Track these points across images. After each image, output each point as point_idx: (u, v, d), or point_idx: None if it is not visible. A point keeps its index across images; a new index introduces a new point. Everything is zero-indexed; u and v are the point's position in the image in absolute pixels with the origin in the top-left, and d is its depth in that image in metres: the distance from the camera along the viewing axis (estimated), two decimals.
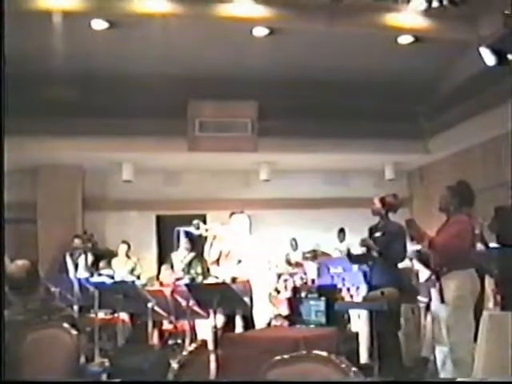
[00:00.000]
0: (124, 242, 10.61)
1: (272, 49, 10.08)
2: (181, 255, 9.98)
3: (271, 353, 2.68)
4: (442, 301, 5.15)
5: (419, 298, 7.02)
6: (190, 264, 9.19)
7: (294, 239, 12.25)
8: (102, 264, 10.16)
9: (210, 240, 6.99)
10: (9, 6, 3.61)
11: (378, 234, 6.12)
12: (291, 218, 12.77)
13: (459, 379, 4.93)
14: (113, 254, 10.89)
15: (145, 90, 10.50)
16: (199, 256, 9.03)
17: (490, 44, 4.96)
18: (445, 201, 5.39)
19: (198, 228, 6.95)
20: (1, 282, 3.58)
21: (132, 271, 10.18)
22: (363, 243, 6.14)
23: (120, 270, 10.13)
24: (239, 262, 6.87)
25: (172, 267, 9.75)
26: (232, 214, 7.33)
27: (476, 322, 5.00)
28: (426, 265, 5.84)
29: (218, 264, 7.03)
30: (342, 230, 12.12)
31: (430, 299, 6.04)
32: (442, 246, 5.15)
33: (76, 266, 9.93)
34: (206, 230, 7.03)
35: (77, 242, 10.55)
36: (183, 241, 9.71)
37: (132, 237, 11.06)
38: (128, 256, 10.48)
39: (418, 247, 6.00)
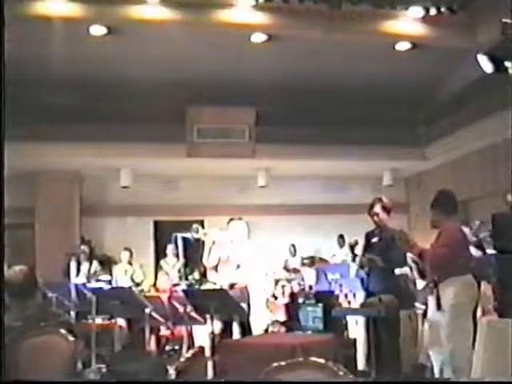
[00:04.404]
0: (126, 249, 10.58)
1: (270, 55, 10.11)
2: (171, 262, 10.07)
3: (268, 359, 2.68)
4: (439, 308, 5.15)
5: (416, 304, 7.01)
6: (183, 270, 9.19)
7: (293, 245, 12.25)
8: (99, 270, 10.14)
9: (209, 246, 6.99)
10: (8, 11, 3.62)
11: (374, 240, 6.11)
12: (289, 224, 12.76)
13: (459, 379, 4.92)
14: (110, 260, 10.88)
15: (143, 96, 10.52)
16: (190, 264, 9.04)
17: (488, 51, 4.96)
18: (435, 218, 5.37)
19: (197, 232, 6.95)
20: (1, 286, 3.57)
21: (133, 278, 10.17)
22: (363, 261, 6.10)
23: (121, 276, 10.13)
24: (238, 267, 6.86)
25: (167, 273, 9.80)
26: (230, 220, 7.33)
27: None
28: (422, 274, 5.83)
29: (216, 270, 7.03)
30: (341, 236, 12.12)
31: (427, 306, 6.04)
32: (432, 256, 5.15)
33: (78, 272, 9.91)
34: (205, 235, 7.03)
35: (82, 248, 10.57)
36: (170, 248, 9.77)
37: (130, 242, 11.05)
38: (130, 263, 10.47)
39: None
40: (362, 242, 6.47)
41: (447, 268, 5.11)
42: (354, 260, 6.60)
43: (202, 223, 10.28)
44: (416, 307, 6.92)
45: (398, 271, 6.28)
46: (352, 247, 6.48)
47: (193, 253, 7.86)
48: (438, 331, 5.24)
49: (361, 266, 6.18)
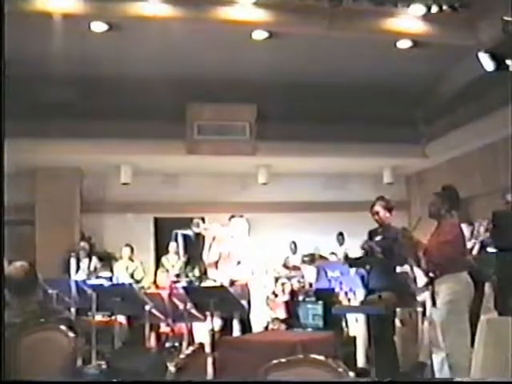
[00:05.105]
0: (127, 245, 10.59)
1: (271, 52, 10.09)
2: (172, 259, 10.07)
3: (268, 356, 2.68)
4: (434, 304, 5.16)
5: (417, 302, 7.01)
6: (184, 268, 9.22)
7: (294, 242, 12.25)
8: (99, 266, 10.15)
9: (209, 241, 6.99)
10: (9, 7, 3.62)
11: (378, 238, 6.11)
12: (289, 221, 12.76)
13: (458, 379, 4.91)
14: (111, 257, 10.88)
15: (144, 93, 10.50)
16: (191, 261, 9.05)
17: (489, 49, 4.97)
18: (434, 207, 5.39)
19: (197, 227, 6.95)
20: (1, 283, 3.57)
21: (133, 274, 10.18)
22: (365, 246, 6.11)
23: (122, 273, 10.13)
24: (238, 264, 6.86)
25: (167, 270, 9.81)
26: (231, 217, 7.33)
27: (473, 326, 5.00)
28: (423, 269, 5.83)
29: (216, 267, 7.03)
30: (341, 234, 12.14)
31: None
32: (436, 254, 5.16)
33: (78, 269, 9.92)
34: (206, 229, 7.04)
35: (83, 244, 10.59)
36: (173, 245, 9.78)
37: (130, 239, 11.05)
38: (131, 259, 10.49)
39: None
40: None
41: (447, 264, 5.12)
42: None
43: (202, 220, 10.32)
44: (416, 305, 6.93)
45: (398, 269, 6.29)
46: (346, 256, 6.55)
47: (193, 250, 7.87)
48: (436, 328, 5.24)
49: (362, 248, 6.17)
